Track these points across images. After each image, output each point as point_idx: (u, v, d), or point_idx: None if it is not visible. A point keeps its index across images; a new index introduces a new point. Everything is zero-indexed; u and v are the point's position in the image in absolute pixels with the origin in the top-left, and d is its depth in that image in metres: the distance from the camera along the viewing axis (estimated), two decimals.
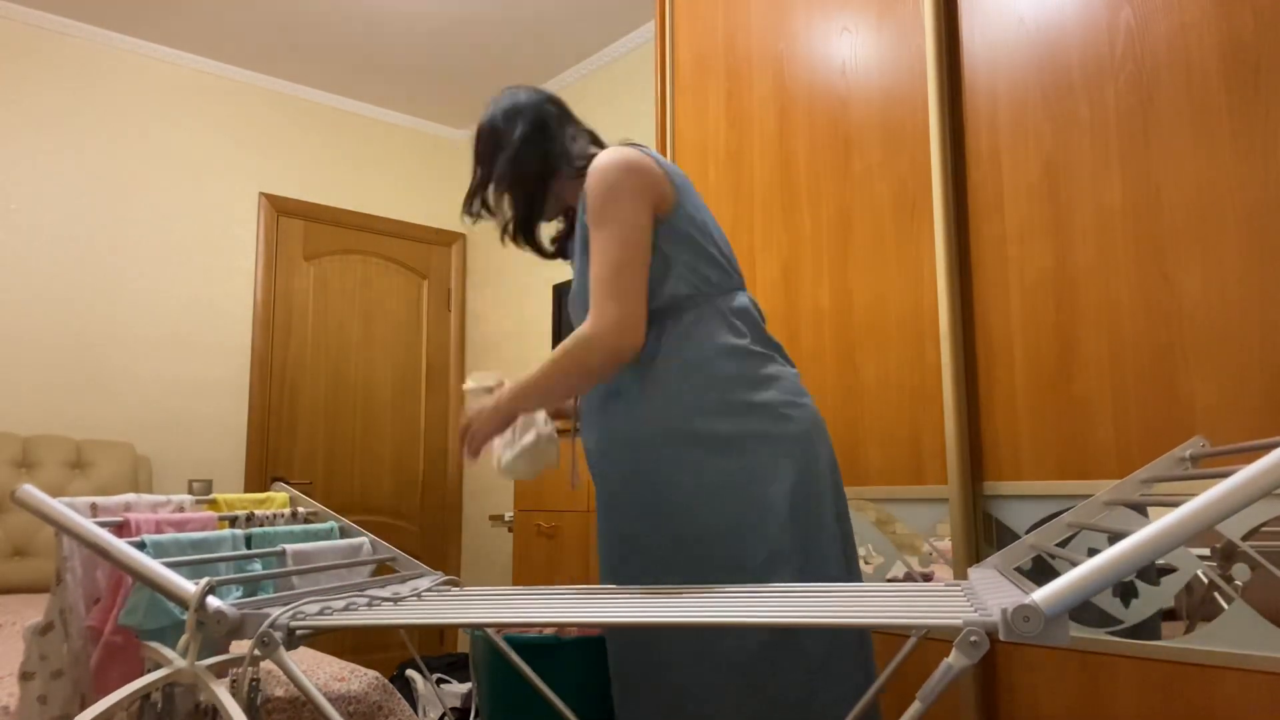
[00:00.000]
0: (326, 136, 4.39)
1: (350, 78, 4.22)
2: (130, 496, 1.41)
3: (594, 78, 4.03)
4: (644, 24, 3.73)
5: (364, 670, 1.82)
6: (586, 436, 1.46)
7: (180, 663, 1.02)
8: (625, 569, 1.39)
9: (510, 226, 1.55)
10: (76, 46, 3.73)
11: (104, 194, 3.73)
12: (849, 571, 1.36)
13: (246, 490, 3.97)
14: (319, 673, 1.77)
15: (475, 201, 1.55)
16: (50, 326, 3.56)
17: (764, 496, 1.29)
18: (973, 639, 0.76)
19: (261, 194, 4.14)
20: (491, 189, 1.54)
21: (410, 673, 3.32)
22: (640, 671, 1.33)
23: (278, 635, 0.95)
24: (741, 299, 1.41)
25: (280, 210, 4.19)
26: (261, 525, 1.55)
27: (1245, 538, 1.32)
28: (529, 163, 1.50)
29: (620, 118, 3.85)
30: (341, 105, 4.44)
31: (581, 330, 1.31)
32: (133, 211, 3.79)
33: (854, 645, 1.30)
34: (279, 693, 1.58)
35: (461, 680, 3.37)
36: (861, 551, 1.83)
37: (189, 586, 0.98)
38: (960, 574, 1.63)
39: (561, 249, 1.63)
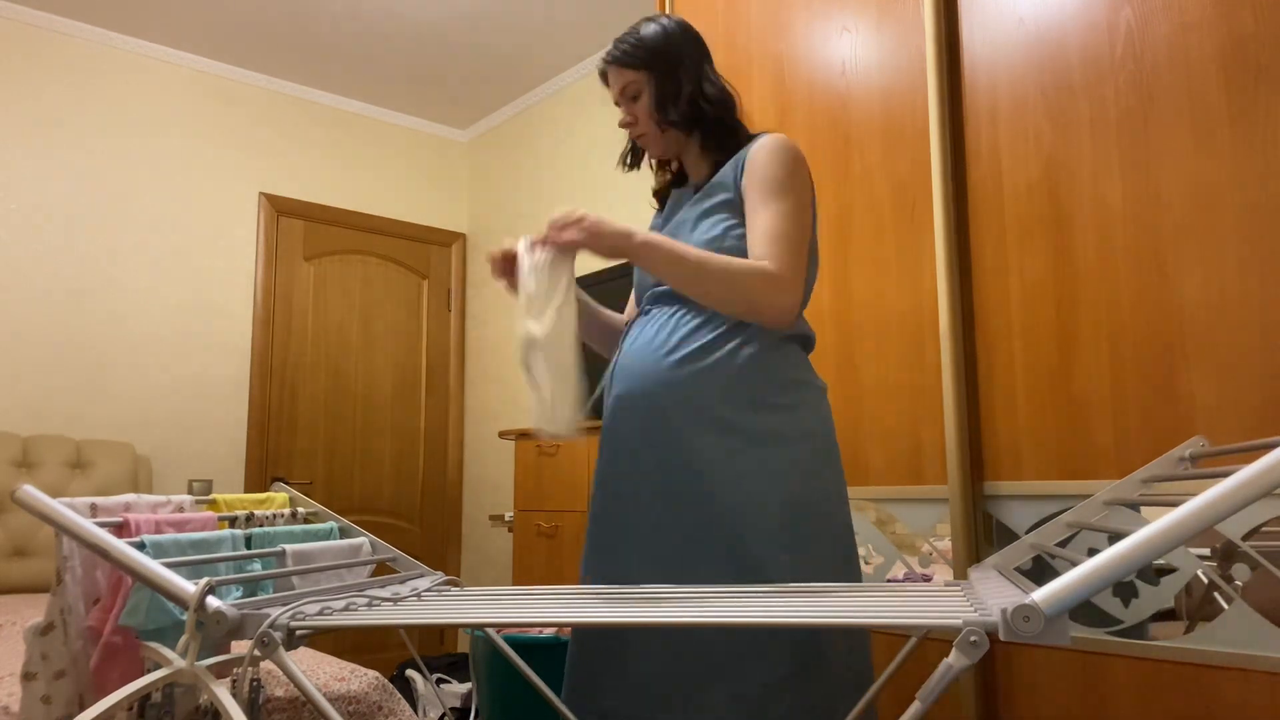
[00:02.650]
0: (326, 136, 4.39)
1: (350, 78, 4.22)
2: (130, 497, 1.42)
3: (594, 78, 4.03)
4: None
5: (364, 670, 1.82)
6: (627, 384, 1.39)
7: (180, 663, 1.02)
8: (611, 526, 1.37)
9: (651, 146, 1.50)
10: (76, 46, 3.73)
11: (104, 194, 3.73)
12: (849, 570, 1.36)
13: (246, 490, 3.97)
14: (319, 673, 1.77)
15: (675, 107, 1.45)
16: (50, 326, 3.56)
17: (770, 494, 1.29)
18: (973, 639, 0.76)
19: (261, 194, 4.14)
20: (686, 97, 1.45)
21: (410, 673, 3.32)
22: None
23: (277, 635, 0.95)
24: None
25: (280, 210, 4.19)
26: (261, 525, 1.55)
27: (1245, 538, 1.32)
28: (722, 90, 1.48)
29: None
30: (341, 105, 4.44)
31: (763, 264, 1.29)
32: (133, 211, 3.79)
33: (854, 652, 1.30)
34: (279, 693, 1.58)
35: (461, 680, 3.37)
36: (861, 551, 1.83)
37: (189, 587, 0.98)
38: (960, 574, 1.63)
39: (663, 199, 1.60)
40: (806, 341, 1.44)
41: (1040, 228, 1.61)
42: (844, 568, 1.34)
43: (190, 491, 3.82)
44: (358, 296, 4.40)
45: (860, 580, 1.38)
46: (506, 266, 1.39)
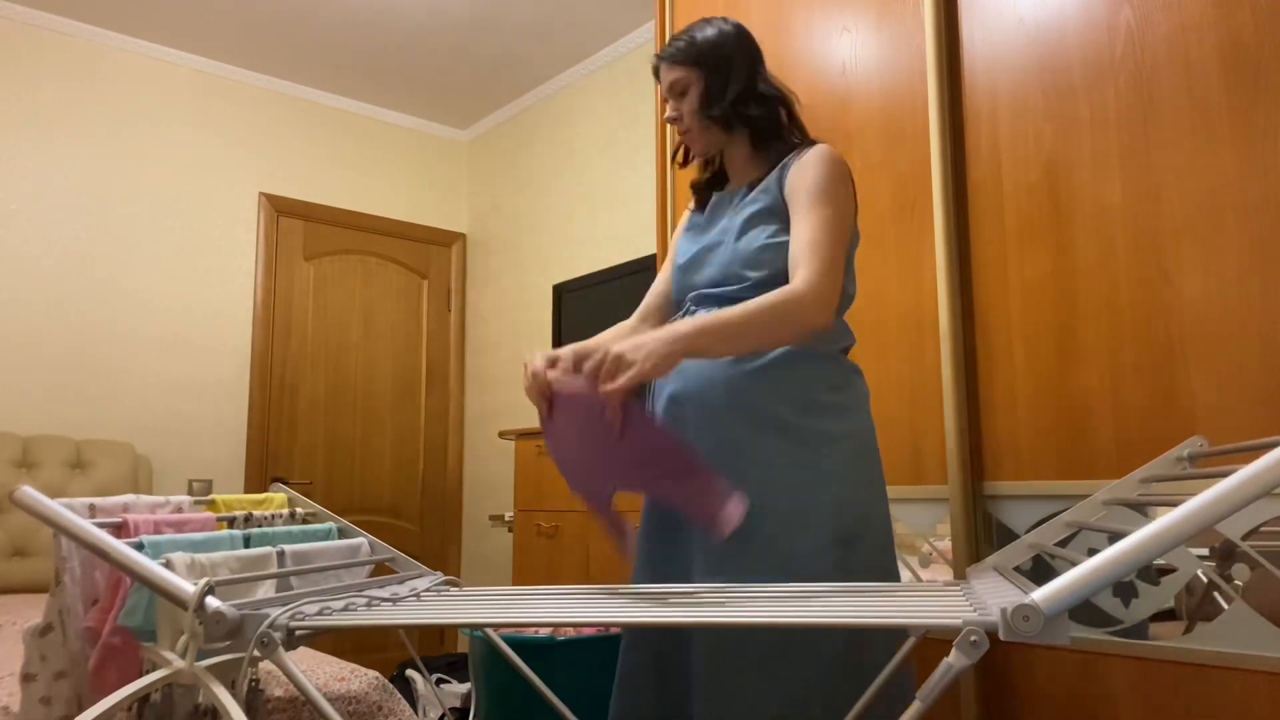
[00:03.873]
0: (326, 136, 4.39)
1: (350, 78, 4.22)
2: (129, 497, 1.42)
3: (594, 78, 4.03)
4: (644, 24, 3.73)
5: (364, 670, 1.82)
6: (681, 383, 1.40)
7: (180, 663, 1.02)
8: (671, 527, 1.39)
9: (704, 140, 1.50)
10: (76, 46, 3.73)
11: (104, 194, 3.73)
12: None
13: (246, 490, 3.97)
14: (319, 673, 1.77)
15: (717, 105, 1.46)
16: (50, 326, 3.56)
17: (819, 497, 1.30)
18: (972, 639, 0.76)
19: (261, 194, 4.14)
20: (738, 96, 1.46)
21: (410, 673, 3.32)
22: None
23: (277, 636, 0.95)
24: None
25: (280, 210, 4.19)
26: (260, 526, 1.55)
27: (1245, 537, 1.32)
28: (773, 96, 1.51)
29: (620, 118, 3.85)
30: (341, 105, 4.44)
31: (795, 288, 1.28)
32: (132, 211, 3.79)
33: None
34: (279, 693, 1.58)
35: (461, 680, 3.37)
36: None
37: (188, 587, 0.98)
38: (960, 574, 1.63)
39: (701, 196, 1.61)
40: (850, 344, 1.46)
41: (1040, 228, 1.61)
42: (886, 567, 1.36)
43: (190, 492, 3.82)
44: (358, 296, 4.40)
45: (897, 579, 1.39)
46: (546, 391, 1.23)
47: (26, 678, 1.28)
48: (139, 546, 1.23)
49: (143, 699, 1.22)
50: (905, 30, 1.85)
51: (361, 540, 1.52)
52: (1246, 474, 0.72)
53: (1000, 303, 1.66)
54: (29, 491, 1.07)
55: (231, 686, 1.22)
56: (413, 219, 4.63)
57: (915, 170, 1.80)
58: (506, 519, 3.56)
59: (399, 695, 1.82)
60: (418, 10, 3.62)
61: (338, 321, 4.31)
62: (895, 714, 1.22)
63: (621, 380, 1.12)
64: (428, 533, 4.49)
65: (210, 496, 1.56)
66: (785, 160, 1.44)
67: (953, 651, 0.77)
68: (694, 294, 1.47)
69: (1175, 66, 1.46)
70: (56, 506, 1.08)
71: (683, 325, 1.21)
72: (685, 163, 1.59)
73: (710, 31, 1.49)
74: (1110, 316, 1.51)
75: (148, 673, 1.08)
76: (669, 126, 2.34)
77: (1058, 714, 1.51)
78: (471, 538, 4.50)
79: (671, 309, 1.60)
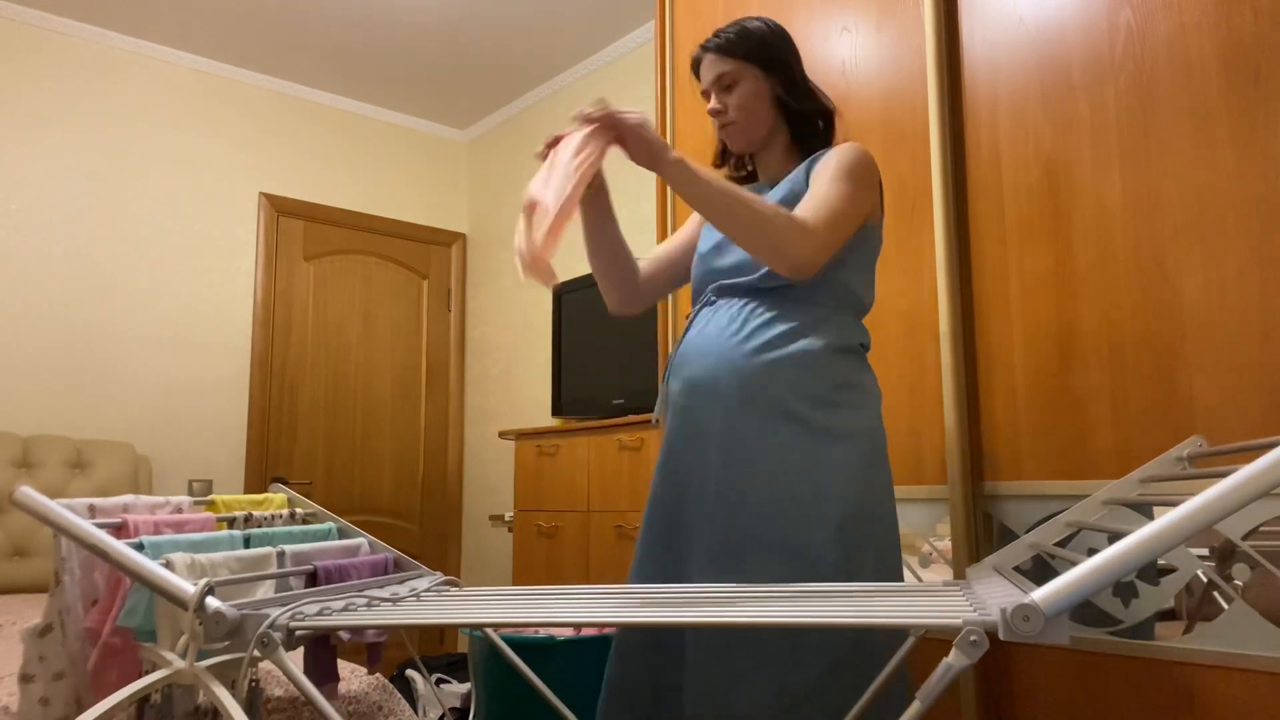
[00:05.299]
0: (326, 136, 4.39)
1: (350, 78, 4.22)
2: (128, 498, 1.41)
3: (594, 78, 4.03)
4: (644, 24, 3.73)
5: (364, 670, 1.81)
6: (699, 369, 1.41)
7: (180, 664, 1.02)
8: (675, 513, 1.39)
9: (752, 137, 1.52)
10: (76, 46, 3.73)
11: (104, 194, 3.73)
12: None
13: (246, 490, 3.97)
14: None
15: (767, 101, 1.49)
16: (50, 326, 3.56)
17: (832, 491, 1.30)
18: (972, 639, 0.76)
19: (261, 194, 4.14)
20: (792, 90, 1.49)
21: (410, 673, 3.32)
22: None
23: (277, 636, 0.95)
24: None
25: (280, 210, 4.19)
26: (260, 526, 1.55)
27: (1245, 537, 1.32)
28: (816, 97, 1.53)
29: None
30: (341, 105, 4.44)
31: (791, 215, 1.29)
32: (132, 211, 3.79)
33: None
34: (278, 693, 1.58)
35: (461, 680, 3.37)
36: None
37: (188, 587, 0.98)
38: (960, 574, 1.63)
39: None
40: (866, 344, 1.47)
41: (1040, 228, 1.61)
42: (893, 566, 1.36)
43: (190, 492, 3.82)
44: (358, 296, 4.40)
45: (901, 579, 1.39)
46: (550, 148, 1.37)
47: (25, 678, 1.28)
48: (139, 547, 1.23)
49: (143, 699, 1.22)
50: (905, 30, 1.85)
51: (361, 540, 1.52)
52: (1246, 474, 0.72)
53: (1000, 303, 1.66)
54: (28, 492, 1.07)
55: (231, 686, 1.22)
56: (413, 219, 4.63)
57: (915, 170, 1.80)
58: (506, 519, 3.56)
59: (399, 695, 1.82)
60: (418, 10, 3.62)
61: (338, 321, 4.31)
62: (890, 717, 1.23)
63: (613, 119, 1.29)
64: (428, 533, 4.49)
65: (210, 497, 1.56)
66: (815, 155, 1.45)
67: (953, 651, 0.77)
68: (715, 285, 1.47)
69: (1175, 66, 1.46)
70: (56, 507, 1.07)
71: (686, 160, 1.30)
72: (723, 162, 1.60)
73: (759, 25, 1.50)
74: (1110, 316, 1.51)
75: (148, 673, 1.08)
76: (668, 125, 2.35)
77: (1058, 714, 1.51)
78: (471, 538, 4.50)
79: (667, 276, 1.62)
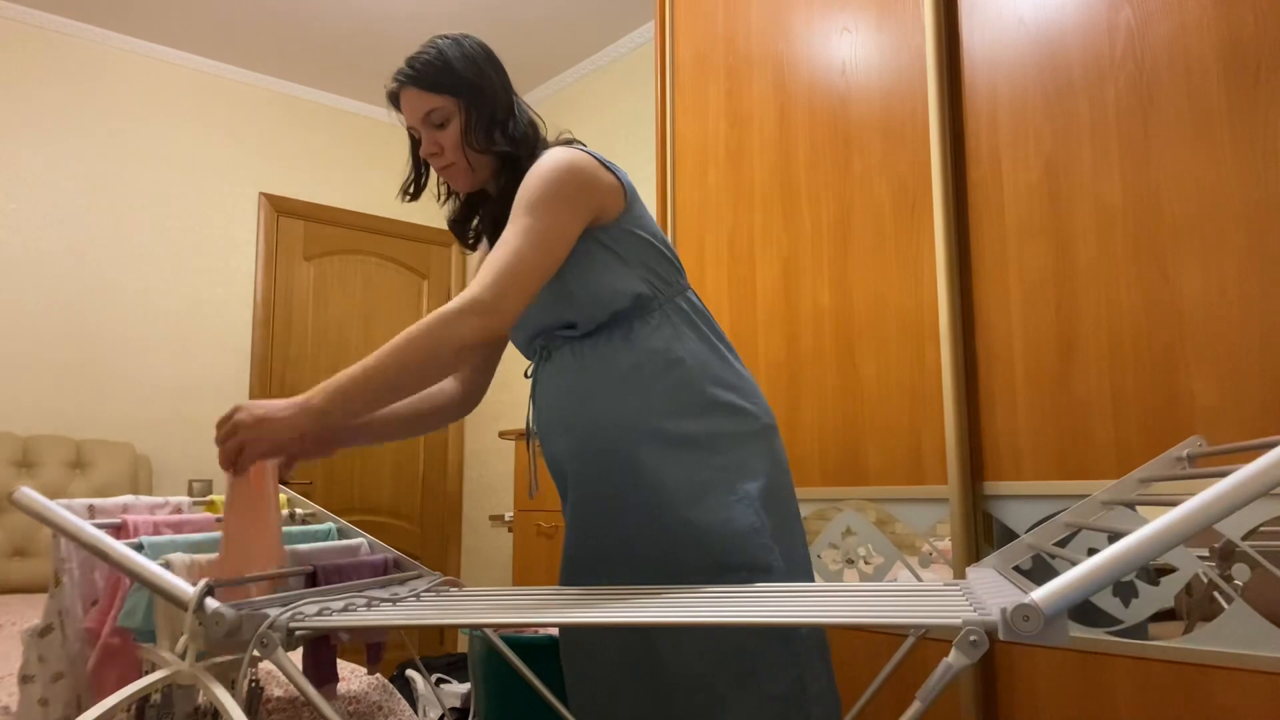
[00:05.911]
0: (326, 136, 4.39)
1: (350, 78, 4.21)
2: (128, 498, 1.41)
3: (594, 78, 4.03)
4: (644, 24, 3.73)
5: (364, 670, 1.81)
6: (554, 442, 1.39)
7: (179, 664, 1.02)
8: (600, 569, 1.35)
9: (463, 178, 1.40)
10: (76, 46, 3.73)
11: (104, 194, 3.73)
12: (807, 569, 1.38)
13: None
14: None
15: (489, 135, 1.36)
16: (50, 326, 3.56)
17: (747, 494, 1.29)
18: (972, 638, 0.76)
19: (261, 194, 4.14)
20: (498, 123, 1.37)
21: (410, 673, 3.32)
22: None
23: (276, 636, 0.95)
24: (696, 298, 1.42)
25: (280, 210, 4.19)
26: None
27: (1245, 537, 1.32)
28: (529, 121, 1.42)
29: (620, 118, 3.85)
30: (341, 105, 4.44)
31: (450, 305, 1.19)
32: (133, 211, 3.79)
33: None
34: (278, 693, 1.58)
35: (461, 680, 3.37)
36: (861, 551, 1.83)
37: (187, 587, 0.98)
38: (960, 574, 1.63)
39: (459, 231, 1.52)
40: (704, 318, 1.39)
41: (1040, 228, 1.61)
42: (806, 554, 1.37)
43: (190, 492, 3.82)
44: (358, 296, 4.40)
45: (810, 567, 1.40)
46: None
47: (24, 679, 1.28)
48: (138, 547, 1.23)
49: (142, 699, 1.22)
50: (905, 30, 1.85)
51: (360, 540, 1.52)
52: (1246, 474, 0.71)
53: (1000, 303, 1.65)
54: (28, 492, 1.07)
55: (231, 686, 1.22)
56: (413, 219, 4.63)
57: (915, 170, 1.80)
58: (506, 519, 3.56)
59: (399, 695, 1.81)
60: (418, 10, 3.62)
61: (338, 321, 4.31)
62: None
63: (240, 460, 1.16)
64: (428, 533, 4.48)
65: (210, 497, 1.56)
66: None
67: (952, 651, 0.77)
68: (539, 339, 1.42)
69: (1175, 66, 1.46)
70: (55, 507, 1.07)
71: (320, 390, 1.16)
72: (415, 196, 1.48)
73: (458, 51, 1.37)
74: (1110, 316, 1.51)
75: (147, 673, 1.08)
76: (668, 126, 2.35)
77: (1057, 714, 1.51)
78: (471, 538, 4.50)
79: (485, 364, 1.56)
